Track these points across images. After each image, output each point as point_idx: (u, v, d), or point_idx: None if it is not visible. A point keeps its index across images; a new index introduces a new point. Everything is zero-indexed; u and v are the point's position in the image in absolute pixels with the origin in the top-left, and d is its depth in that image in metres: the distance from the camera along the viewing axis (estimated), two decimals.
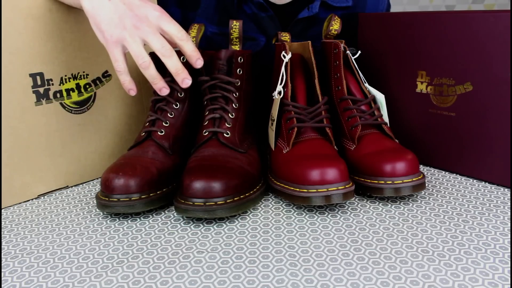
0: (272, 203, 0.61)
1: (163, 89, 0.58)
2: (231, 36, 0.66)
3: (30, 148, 0.64)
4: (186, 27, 0.67)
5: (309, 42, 0.68)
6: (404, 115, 0.73)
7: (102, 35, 0.56)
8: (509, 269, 0.45)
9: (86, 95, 0.69)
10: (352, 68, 0.69)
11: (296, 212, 0.58)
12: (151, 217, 0.58)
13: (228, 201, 0.54)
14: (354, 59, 0.71)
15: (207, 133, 0.63)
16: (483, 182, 0.65)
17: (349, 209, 0.58)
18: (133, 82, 0.59)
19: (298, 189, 0.56)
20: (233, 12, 0.81)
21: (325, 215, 0.57)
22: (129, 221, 0.57)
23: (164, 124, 0.64)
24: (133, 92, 0.59)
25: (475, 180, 0.66)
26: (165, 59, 0.56)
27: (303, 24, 0.83)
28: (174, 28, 0.56)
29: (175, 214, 0.59)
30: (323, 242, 0.50)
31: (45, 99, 0.64)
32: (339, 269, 0.45)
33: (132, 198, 0.56)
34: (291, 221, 0.56)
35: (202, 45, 0.85)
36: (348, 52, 0.69)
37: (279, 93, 0.65)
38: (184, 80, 0.57)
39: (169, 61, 0.56)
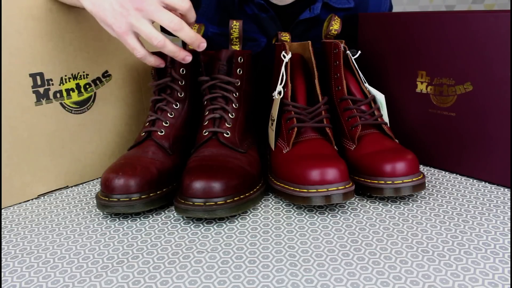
0: (272, 203, 0.61)
1: (187, 57, 0.60)
2: (231, 36, 0.66)
3: (30, 148, 0.64)
4: None
5: (309, 42, 0.68)
6: (404, 115, 0.73)
7: (111, 29, 0.56)
8: (509, 269, 0.45)
9: (86, 95, 0.69)
10: (352, 68, 0.69)
11: (296, 212, 0.58)
12: (151, 217, 0.58)
13: (228, 201, 0.54)
14: (354, 59, 0.71)
15: (207, 133, 0.63)
16: (483, 182, 0.65)
17: (349, 209, 0.58)
18: (158, 58, 0.61)
19: (298, 189, 0.56)
20: (234, 13, 0.81)
21: (325, 215, 0.57)
22: (129, 221, 0.57)
23: (164, 124, 0.64)
24: (162, 65, 0.62)
25: (475, 180, 0.66)
26: (177, 33, 0.56)
27: (304, 25, 0.83)
28: None
29: (175, 214, 0.59)
30: (323, 242, 0.50)
31: (45, 99, 0.64)
32: (339, 269, 0.45)
33: (132, 198, 0.56)
34: (291, 221, 0.56)
35: None
36: (348, 52, 0.69)
37: (279, 93, 0.65)
38: (201, 44, 0.59)
39: (181, 34, 0.56)
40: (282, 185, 0.58)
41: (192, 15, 0.58)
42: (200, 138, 0.63)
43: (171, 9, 0.56)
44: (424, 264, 0.46)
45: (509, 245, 0.49)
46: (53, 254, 0.50)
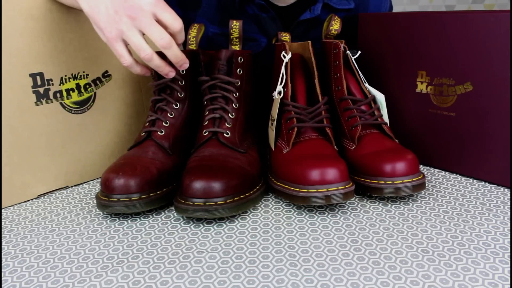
0: (272, 203, 0.61)
1: (170, 73, 0.59)
2: (231, 36, 0.66)
3: (30, 148, 0.64)
4: (187, 27, 0.67)
5: (309, 42, 0.68)
6: (404, 115, 0.73)
7: (102, 34, 0.56)
8: (509, 269, 0.45)
9: (86, 95, 0.69)
10: (352, 68, 0.69)
11: (296, 212, 0.58)
12: (151, 217, 0.58)
13: (228, 201, 0.54)
14: (354, 59, 0.71)
15: (207, 133, 0.63)
16: (483, 182, 0.65)
17: (349, 209, 0.58)
18: (145, 67, 0.60)
19: (298, 189, 0.56)
20: (235, 13, 0.81)
21: (325, 215, 0.57)
22: (129, 221, 0.57)
23: (164, 124, 0.64)
24: (148, 73, 0.61)
25: (475, 180, 0.66)
26: (165, 51, 0.56)
27: (304, 25, 0.83)
28: (169, 17, 0.55)
29: (175, 214, 0.59)
30: (323, 242, 0.50)
31: (45, 99, 0.64)
32: (339, 269, 0.45)
33: (132, 198, 0.56)
34: (291, 221, 0.56)
35: (203, 45, 0.85)
36: (348, 52, 0.69)
37: (279, 93, 0.65)
38: (184, 64, 0.59)
39: (169, 52, 0.56)
40: (282, 185, 0.58)
41: (181, 37, 0.58)
42: (200, 138, 0.63)
43: (162, 25, 0.56)
44: (424, 264, 0.46)
45: (509, 245, 0.49)
46: (53, 254, 0.50)
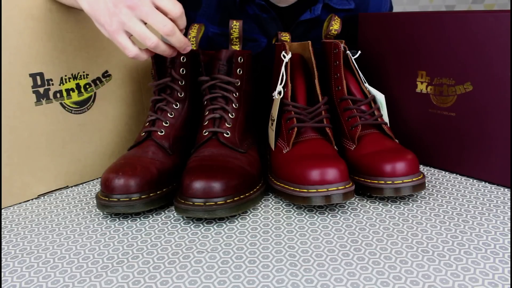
0: (272, 203, 0.61)
1: (173, 53, 0.60)
2: (231, 36, 0.66)
3: (30, 148, 0.64)
4: (187, 27, 0.67)
5: (309, 42, 0.68)
6: (404, 115, 0.73)
7: (104, 29, 0.56)
8: (509, 269, 0.45)
9: (86, 95, 0.69)
10: (352, 68, 0.69)
11: (296, 212, 0.58)
12: (151, 217, 0.58)
13: (228, 201, 0.54)
14: (354, 59, 0.71)
15: (207, 133, 0.63)
16: (483, 182, 0.65)
17: (349, 209, 0.58)
18: (148, 51, 0.59)
19: (298, 189, 0.56)
20: (235, 13, 0.81)
21: (325, 215, 0.57)
22: (129, 221, 0.57)
23: (164, 124, 0.64)
24: (152, 54, 0.60)
25: (475, 180, 0.66)
26: (169, 37, 0.56)
27: (305, 26, 0.83)
28: (168, 3, 0.55)
29: (175, 214, 0.59)
30: (323, 242, 0.50)
31: (45, 99, 0.64)
32: (339, 269, 0.45)
33: (132, 198, 0.56)
34: (291, 221, 0.56)
35: (203, 45, 0.85)
36: (348, 52, 0.69)
37: (279, 93, 0.65)
38: (187, 47, 0.59)
39: (173, 38, 0.56)
40: (282, 185, 0.58)
41: (183, 22, 0.57)
42: (200, 138, 0.63)
43: (162, 12, 0.55)
44: (424, 264, 0.46)
45: (509, 245, 0.49)
46: (53, 254, 0.50)
